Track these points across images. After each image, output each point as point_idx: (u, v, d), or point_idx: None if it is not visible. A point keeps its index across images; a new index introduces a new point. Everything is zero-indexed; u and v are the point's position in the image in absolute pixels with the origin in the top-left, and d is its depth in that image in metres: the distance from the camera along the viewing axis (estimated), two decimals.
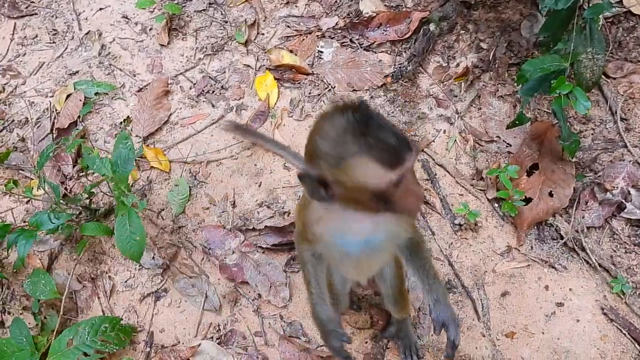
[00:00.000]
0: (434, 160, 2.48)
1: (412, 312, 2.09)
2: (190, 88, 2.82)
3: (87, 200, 2.38)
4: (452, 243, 2.28)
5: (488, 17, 2.85)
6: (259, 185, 2.49)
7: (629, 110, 2.55)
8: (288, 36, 2.95)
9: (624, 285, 2.09)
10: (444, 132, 2.56)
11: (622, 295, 2.09)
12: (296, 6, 3.07)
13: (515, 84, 2.31)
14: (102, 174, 2.12)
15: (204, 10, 3.11)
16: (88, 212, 2.41)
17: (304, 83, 2.77)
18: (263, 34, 2.99)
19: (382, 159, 1.19)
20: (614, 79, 2.63)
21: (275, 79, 2.79)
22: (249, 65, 2.88)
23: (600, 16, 2.30)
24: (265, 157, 2.56)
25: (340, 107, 1.24)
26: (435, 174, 2.44)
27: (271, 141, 2.55)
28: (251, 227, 2.36)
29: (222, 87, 2.84)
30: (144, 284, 2.34)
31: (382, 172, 1.19)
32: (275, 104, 2.72)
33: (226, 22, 3.05)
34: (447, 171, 2.44)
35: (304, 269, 1.66)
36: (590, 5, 2.24)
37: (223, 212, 2.44)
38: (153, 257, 2.35)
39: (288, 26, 3.00)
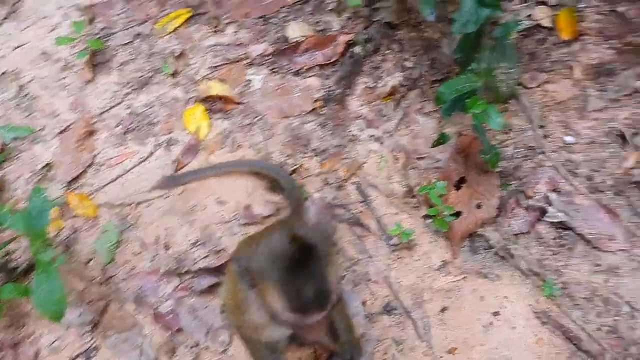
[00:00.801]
0: (367, 181, 2.57)
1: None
2: (117, 126, 2.82)
3: (3, 260, 2.31)
4: (389, 264, 2.37)
5: (411, 36, 2.98)
6: (192, 224, 2.51)
7: (545, 117, 2.73)
8: (216, 65, 3.00)
9: (553, 287, 2.23)
10: (375, 152, 2.66)
11: (552, 297, 2.23)
12: (224, 34, 3.12)
13: (436, 99, 2.41)
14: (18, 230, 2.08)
15: (129, 42, 3.12)
16: (4, 272, 2.33)
17: (234, 113, 2.82)
18: (191, 65, 3.03)
19: (291, 303, 1.30)
20: (530, 88, 2.80)
21: (205, 110, 2.83)
22: (177, 98, 2.90)
23: (514, 33, 2.45)
24: (198, 193, 2.59)
25: (290, 235, 1.34)
26: (369, 195, 2.53)
27: (214, 167, 2.58)
28: (185, 270, 2.38)
29: (150, 122, 2.85)
30: (72, 345, 2.30)
31: (287, 312, 1.29)
32: (206, 136, 2.75)
33: (153, 54, 3.07)
34: (380, 191, 2.54)
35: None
36: (499, 24, 2.39)
37: (155, 255, 2.45)
38: (80, 314, 2.32)
39: (216, 55, 3.04)
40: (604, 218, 2.36)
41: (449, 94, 2.14)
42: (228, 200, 2.57)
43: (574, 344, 2.15)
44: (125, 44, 3.13)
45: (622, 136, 2.65)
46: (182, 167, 2.66)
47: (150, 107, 2.88)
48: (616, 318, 2.22)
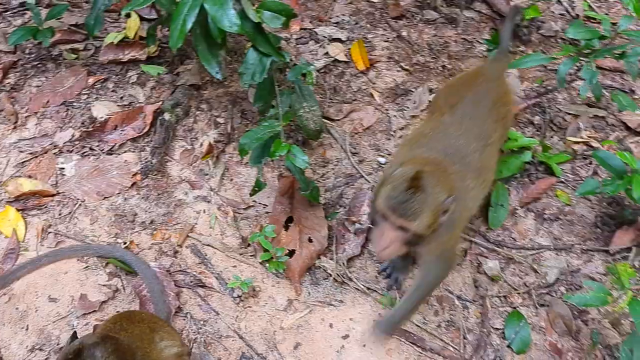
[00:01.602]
0: (200, 242, 2.72)
1: None
2: None
3: None
4: (237, 316, 2.52)
5: (218, 93, 3.23)
6: (27, 329, 2.49)
7: (357, 144, 3.08)
8: (23, 162, 3.01)
9: (390, 298, 2.51)
10: (204, 211, 2.83)
11: (393, 305, 2.50)
12: (25, 128, 3.14)
13: (240, 150, 2.62)
14: None
15: None
16: None
17: (51, 206, 2.85)
18: None
19: None
20: (338, 120, 3.15)
21: (18, 210, 2.82)
22: None
23: (313, 72, 2.76)
24: (27, 296, 2.58)
25: None
26: (206, 255, 2.68)
27: (50, 255, 2.58)
28: None
29: None
30: None
31: None
32: (25, 236, 2.75)
33: None
34: (216, 248, 2.70)
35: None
36: (291, 69, 2.70)
37: None
38: None
39: (21, 151, 3.06)
40: None
41: (251, 144, 2.38)
42: (60, 296, 2.58)
43: (419, 346, 2.42)
44: None
45: None
46: (2, 276, 2.62)
47: None
48: (451, 312, 2.54)
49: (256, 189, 2.55)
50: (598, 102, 3.22)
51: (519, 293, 2.59)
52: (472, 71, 2.63)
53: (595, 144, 3.13)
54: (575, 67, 3.06)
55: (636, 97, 3.40)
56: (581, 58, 2.84)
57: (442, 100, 2.50)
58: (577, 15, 3.79)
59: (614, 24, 3.09)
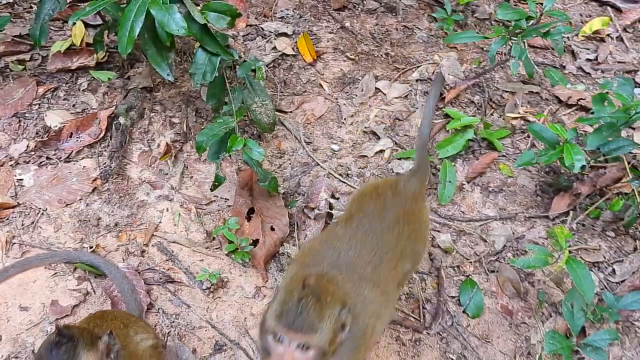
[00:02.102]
0: (166, 239, 2.79)
1: None
2: None
3: None
4: (208, 307, 2.61)
5: (170, 94, 3.28)
6: (0, 339, 2.51)
7: (310, 134, 3.20)
8: None
9: None
10: (167, 210, 2.90)
11: None
12: None
13: (197, 148, 2.69)
14: None
15: None
16: None
17: (13, 217, 2.86)
18: None
19: None
20: (291, 112, 3.26)
21: None
22: None
23: (262, 67, 2.85)
24: None
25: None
26: (173, 251, 2.76)
27: (17, 265, 2.62)
28: None
29: None
30: None
31: None
32: None
33: None
34: (182, 244, 2.78)
35: None
36: (240, 65, 2.79)
37: None
38: None
39: None
40: None
41: (208, 141, 2.46)
42: (31, 303, 2.61)
43: None
44: None
45: (374, 132, 3.20)
46: None
47: None
48: (410, 285, 2.70)
49: (216, 183, 2.64)
50: (531, 78, 3.43)
51: (470, 262, 2.76)
52: (384, 182, 2.38)
53: (531, 118, 3.33)
54: (508, 47, 3.25)
55: (567, 72, 3.62)
56: (512, 38, 3.03)
57: (350, 209, 2.29)
58: None
59: (540, 3, 3.31)
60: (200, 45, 2.47)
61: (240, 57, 3.11)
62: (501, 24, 3.55)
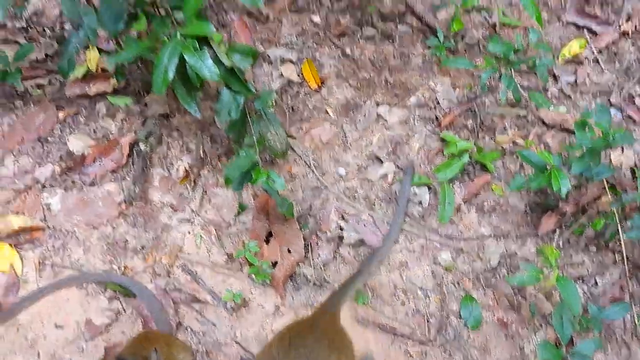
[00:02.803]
0: (190, 261, 2.95)
1: None
2: None
3: None
4: (232, 325, 2.78)
5: (186, 120, 3.43)
6: (38, 356, 2.66)
7: (318, 158, 3.38)
8: (8, 200, 3.11)
9: (364, 296, 2.84)
10: (189, 232, 3.05)
11: (366, 304, 2.84)
12: (4, 167, 3.24)
13: (225, 181, 2.86)
14: None
15: None
16: None
17: (43, 240, 2.99)
18: None
19: None
20: (299, 137, 3.43)
21: (12, 246, 2.95)
22: None
23: (274, 96, 3.02)
24: (33, 325, 2.74)
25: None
26: (196, 272, 2.92)
27: (50, 286, 2.75)
28: None
29: None
30: None
31: None
32: (22, 270, 2.89)
33: None
34: (205, 265, 2.94)
35: None
36: (257, 98, 2.95)
37: None
38: None
39: (4, 189, 3.16)
40: (381, 227, 3.05)
41: (235, 174, 2.63)
42: (66, 322, 2.75)
43: (392, 333, 2.78)
44: None
45: (377, 157, 3.39)
46: (7, 309, 2.76)
47: None
48: (415, 301, 2.91)
49: (240, 210, 2.80)
50: (518, 102, 3.66)
51: (469, 278, 2.98)
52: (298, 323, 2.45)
53: (520, 141, 3.56)
54: (498, 74, 3.48)
55: (549, 94, 3.85)
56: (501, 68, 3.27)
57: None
58: (495, 23, 4.20)
59: (526, 28, 3.54)
60: (226, 85, 2.62)
61: (256, 89, 3.26)
62: (491, 55, 3.76)
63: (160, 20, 2.53)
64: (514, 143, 3.56)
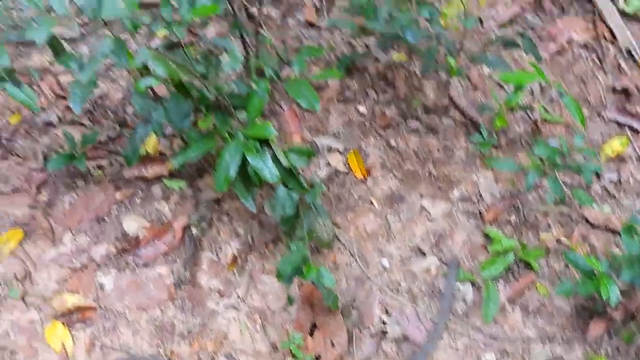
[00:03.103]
0: (234, 349, 2.98)
1: None
2: None
3: None
4: None
5: (237, 206, 3.54)
6: None
7: (362, 248, 3.42)
8: (64, 278, 3.22)
9: None
10: (235, 319, 3.10)
11: None
12: (62, 244, 3.37)
13: (277, 275, 2.92)
14: None
15: None
16: None
17: (94, 319, 3.07)
18: (38, 283, 3.21)
19: None
20: (344, 227, 3.49)
21: (64, 325, 3.03)
22: (33, 320, 3.07)
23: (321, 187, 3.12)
24: None
25: None
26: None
27: None
28: None
29: (11, 352, 2.96)
30: None
31: None
32: (73, 350, 2.95)
33: None
34: (249, 355, 2.96)
35: None
36: (308, 192, 3.04)
37: None
38: None
39: (61, 267, 3.28)
40: (425, 322, 3.05)
41: (286, 269, 2.69)
42: None
43: None
44: None
45: (420, 249, 3.43)
46: None
47: (7, 337, 2.99)
48: None
49: (289, 302, 2.85)
50: (562, 201, 3.68)
51: None
52: None
53: (564, 239, 3.56)
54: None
55: (592, 192, 3.87)
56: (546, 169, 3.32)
57: None
58: (537, 119, 4.28)
59: (568, 126, 3.60)
60: (283, 183, 2.72)
61: (305, 179, 3.37)
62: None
63: (223, 119, 2.67)
64: (558, 241, 3.56)
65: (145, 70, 2.43)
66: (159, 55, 2.31)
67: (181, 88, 2.53)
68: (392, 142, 4.08)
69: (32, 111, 3.85)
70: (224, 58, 2.57)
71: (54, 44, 2.42)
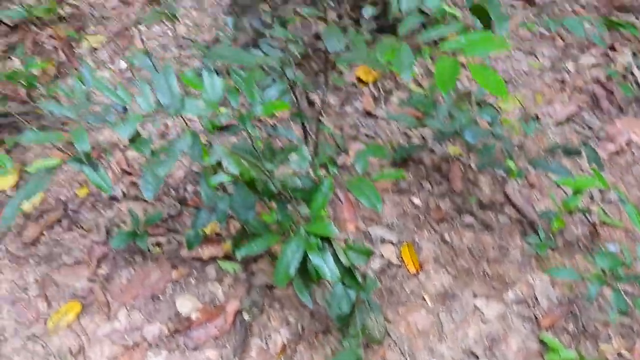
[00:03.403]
0: None
1: None
2: None
3: None
4: None
5: (288, 293, 3.54)
6: None
7: (412, 345, 3.35)
8: (116, 355, 3.25)
9: None
10: None
11: None
12: (117, 320, 3.43)
13: None
14: None
15: (22, 346, 3.28)
16: None
17: None
18: (91, 358, 3.25)
19: None
20: (395, 322, 3.44)
21: None
22: None
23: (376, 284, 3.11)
24: None
25: None
26: None
27: None
28: None
29: None
30: None
31: None
32: None
33: (49, 355, 3.25)
34: None
35: None
36: (363, 289, 3.04)
37: None
38: None
39: (113, 343, 3.32)
40: None
41: None
42: None
43: None
44: (19, 347, 3.29)
45: (472, 352, 3.33)
46: None
47: None
48: None
49: None
50: (625, 313, 3.54)
51: None
52: None
53: (625, 352, 3.40)
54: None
55: None
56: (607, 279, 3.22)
57: None
58: (595, 222, 4.20)
59: (629, 232, 3.50)
60: (341, 281, 2.73)
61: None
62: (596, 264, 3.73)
63: (286, 213, 2.73)
64: (619, 355, 3.40)
65: (217, 166, 2.53)
66: (233, 153, 2.42)
67: (250, 182, 2.62)
68: (446, 237, 4.06)
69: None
70: (292, 157, 2.66)
71: (134, 138, 2.57)
